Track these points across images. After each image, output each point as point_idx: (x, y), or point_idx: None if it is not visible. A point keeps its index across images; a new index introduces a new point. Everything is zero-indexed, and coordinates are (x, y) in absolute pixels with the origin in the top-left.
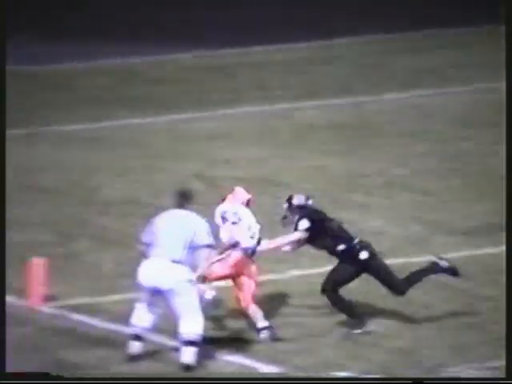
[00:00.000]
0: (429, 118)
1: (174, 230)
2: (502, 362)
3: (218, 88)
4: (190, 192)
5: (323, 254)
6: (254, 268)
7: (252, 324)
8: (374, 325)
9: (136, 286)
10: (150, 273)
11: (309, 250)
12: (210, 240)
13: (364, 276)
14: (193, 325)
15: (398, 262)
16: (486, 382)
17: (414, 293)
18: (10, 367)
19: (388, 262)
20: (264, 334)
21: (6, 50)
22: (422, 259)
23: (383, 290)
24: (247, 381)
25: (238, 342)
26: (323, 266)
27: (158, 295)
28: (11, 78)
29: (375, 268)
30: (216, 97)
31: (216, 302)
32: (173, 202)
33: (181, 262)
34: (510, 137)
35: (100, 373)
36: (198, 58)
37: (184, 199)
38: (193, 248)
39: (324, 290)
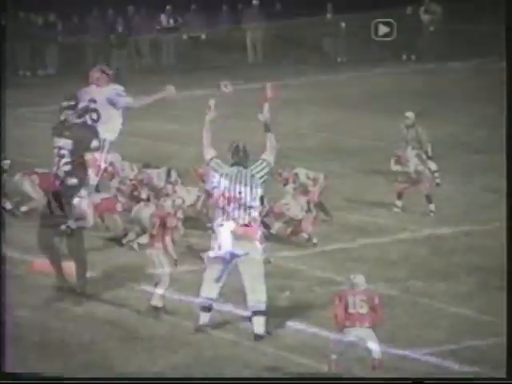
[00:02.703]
0: None
1: (240, 191)
2: None
3: None
4: (245, 149)
5: None
6: None
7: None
8: None
9: (205, 257)
10: (227, 239)
11: None
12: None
13: None
14: (260, 294)
15: None
16: (486, 381)
17: None
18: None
19: None
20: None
21: None
22: None
23: None
24: (247, 381)
25: (307, 311)
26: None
27: (229, 262)
28: None
29: None
30: None
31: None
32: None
33: (253, 224)
34: (509, 134)
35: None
36: None
37: (241, 156)
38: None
39: None
